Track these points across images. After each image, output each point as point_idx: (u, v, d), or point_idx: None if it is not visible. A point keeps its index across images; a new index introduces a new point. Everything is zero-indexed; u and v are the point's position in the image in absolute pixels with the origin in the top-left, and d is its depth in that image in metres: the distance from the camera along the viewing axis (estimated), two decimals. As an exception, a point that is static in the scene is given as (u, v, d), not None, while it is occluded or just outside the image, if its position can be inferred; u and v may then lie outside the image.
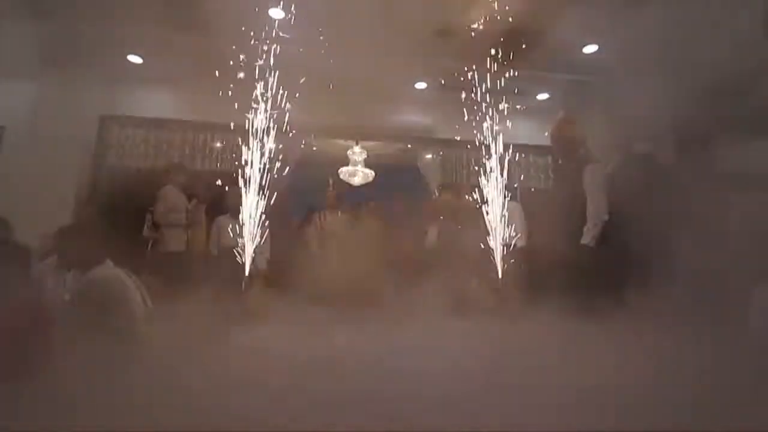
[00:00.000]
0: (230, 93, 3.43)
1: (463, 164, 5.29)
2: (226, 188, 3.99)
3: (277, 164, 3.25)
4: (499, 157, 3.25)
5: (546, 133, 5.23)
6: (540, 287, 4.43)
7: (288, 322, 2.74)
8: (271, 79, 3.12)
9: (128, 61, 4.45)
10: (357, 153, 5.91)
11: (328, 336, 2.44)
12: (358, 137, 5.48)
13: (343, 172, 5.85)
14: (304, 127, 4.74)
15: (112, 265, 2.16)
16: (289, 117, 3.41)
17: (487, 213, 3.30)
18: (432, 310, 3.27)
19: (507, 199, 3.29)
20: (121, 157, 4.62)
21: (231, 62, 4.23)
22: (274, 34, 3.27)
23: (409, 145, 5.81)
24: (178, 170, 4.02)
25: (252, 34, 3.35)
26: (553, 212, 2.85)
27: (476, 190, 3.43)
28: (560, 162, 2.96)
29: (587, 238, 2.52)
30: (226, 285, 3.77)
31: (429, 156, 5.58)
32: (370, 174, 6.01)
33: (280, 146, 3.46)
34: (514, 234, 3.44)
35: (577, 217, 2.58)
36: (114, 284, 1.99)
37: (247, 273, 2.97)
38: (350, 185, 5.73)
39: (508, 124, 3.31)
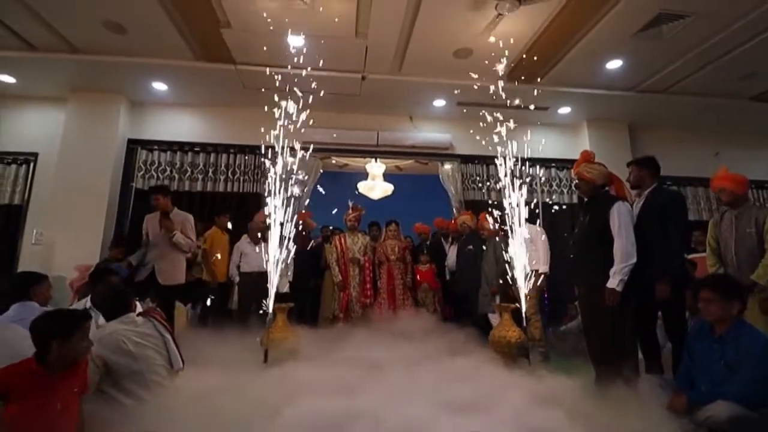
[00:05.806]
0: (254, 116, 3.43)
1: (483, 180, 5.24)
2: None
3: (299, 184, 3.22)
4: (520, 173, 3.10)
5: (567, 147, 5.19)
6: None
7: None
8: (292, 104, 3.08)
9: (153, 87, 4.55)
10: (375, 167, 5.91)
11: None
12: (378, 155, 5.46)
13: (362, 186, 5.87)
14: (325, 145, 4.79)
15: (132, 317, 2.06)
16: (311, 137, 3.39)
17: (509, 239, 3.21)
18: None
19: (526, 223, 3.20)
20: (148, 179, 4.75)
21: (253, 87, 4.31)
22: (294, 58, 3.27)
23: (426, 163, 5.76)
24: (159, 192, 3.57)
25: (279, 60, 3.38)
26: (578, 254, 2.78)
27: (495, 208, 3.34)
28: (585, 200, 2.86)
29: (614, 281, 2.39)
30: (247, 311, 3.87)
31: (448, 167, 5.48)
32: (389, 188, 6.00)
33: (303, 172, 3.47)
34: (534, 262, 3.37)
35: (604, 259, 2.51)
36: (104, 345, 1.87)
37: (272, 305, 2.96)
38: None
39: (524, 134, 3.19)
